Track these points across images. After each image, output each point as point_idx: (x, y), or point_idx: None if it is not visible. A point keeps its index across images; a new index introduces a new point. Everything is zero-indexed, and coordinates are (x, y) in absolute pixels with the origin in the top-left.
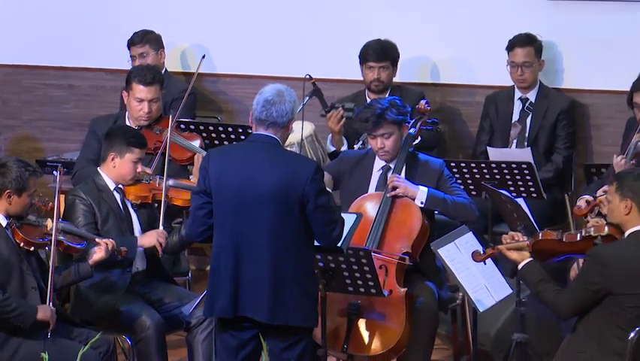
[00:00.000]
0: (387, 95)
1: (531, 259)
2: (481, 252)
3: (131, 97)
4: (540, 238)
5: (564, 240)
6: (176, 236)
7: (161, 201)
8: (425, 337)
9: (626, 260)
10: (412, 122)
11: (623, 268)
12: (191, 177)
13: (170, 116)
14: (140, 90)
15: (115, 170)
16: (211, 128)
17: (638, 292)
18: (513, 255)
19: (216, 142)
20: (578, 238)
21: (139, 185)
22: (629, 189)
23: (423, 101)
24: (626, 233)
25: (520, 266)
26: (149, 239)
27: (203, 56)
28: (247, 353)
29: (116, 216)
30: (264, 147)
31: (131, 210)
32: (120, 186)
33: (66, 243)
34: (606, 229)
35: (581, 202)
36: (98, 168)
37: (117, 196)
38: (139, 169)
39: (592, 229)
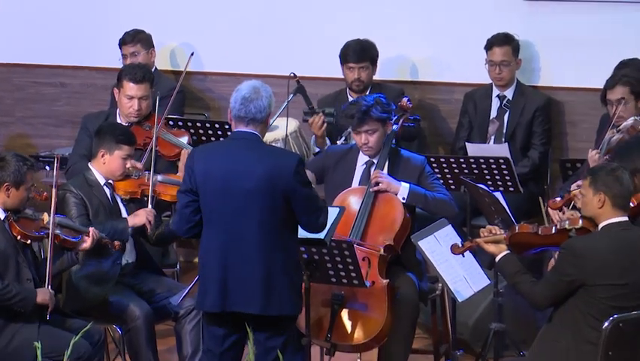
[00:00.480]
0: (367, 94)
1: (508, 251)
2: (460, 245)
3: (121, 94)
4: (517, 230)
5: (540, 233)
6: (165, 229)
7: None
8: (406, 327)
9: (600, 252)
10: (395, 118)
11: (596, 259)
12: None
13: (156, 114)
14: (131, 88)
15: (105, 166)
16: (199, 124)
17: (611, 283)
18: (490, 248)
19: (204, 138)
20: (553, 231)
21: (128, 180)
22: (602, 184)
23: (405, 99)
24: (600, 226)
25: (497, 259)
26: (139, 218)
27: (192, 54)
28: (233, 341)
29: (106, 210)
30: (247, 144)
31: (121, 205)
32: (110, 181)
33: (62, 236)
34: (580, 222)
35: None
36: (89, 164)
37: (107, 191)
38: (128, 165)
39: (566, 222)
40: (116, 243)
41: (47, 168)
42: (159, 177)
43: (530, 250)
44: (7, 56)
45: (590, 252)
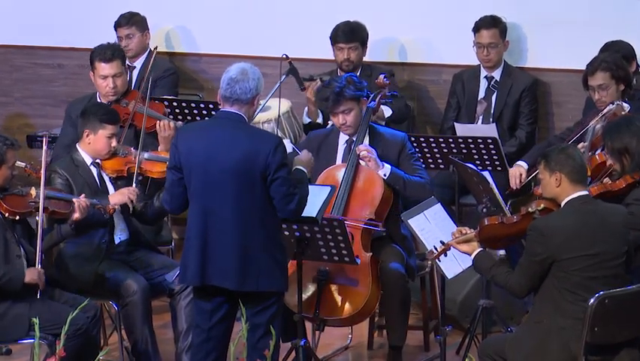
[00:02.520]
0: (357, 74)
1: (481, 249)
2: (435, 251)
3: (96, 76)
4: (485, 224)
5: (505, 222)
6: (149, 208)
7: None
8: (395, 295)
9: (565, 228)
10: (372, 96)
11: (561, 234)
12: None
13: (148, 94)
14: (103, 67)
15: (90, 146)
16: (193, 105)
17: (580, 254)
18: (463, 247)
19: (198, 118)
20: (515, 219)
21: (115, 159)
22: (555, 163)
23: (381, 76)
24: (562, 204)
25: (472, 258)
26: (119, 197)
27: (156, 48)
28: (220, 316)
29: (91, 189)
30: (230, 123)
31: (109, 184)
32: (97, 160)
33: (51, 208)
34: (542, 204)
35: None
36: (77, 145)
37: (94, 171)
38: (113, 144)
39: (531, 205)
40: (109, 207)
41: (45, 147)
42: (145, 155)
43: (502, 241)
44: (6, 37)
45: (555, 229)
